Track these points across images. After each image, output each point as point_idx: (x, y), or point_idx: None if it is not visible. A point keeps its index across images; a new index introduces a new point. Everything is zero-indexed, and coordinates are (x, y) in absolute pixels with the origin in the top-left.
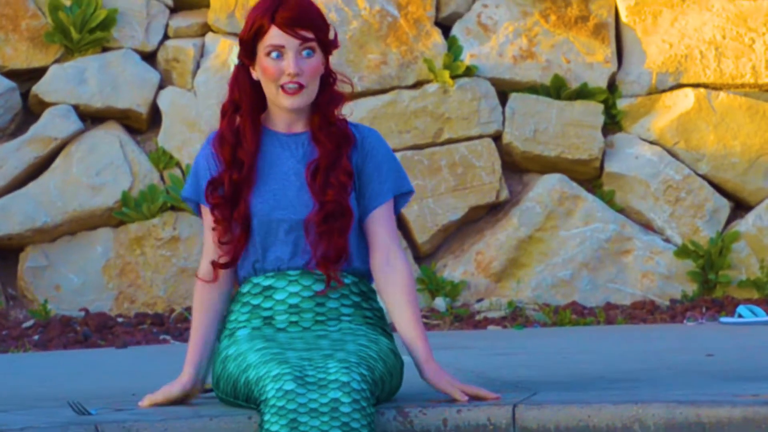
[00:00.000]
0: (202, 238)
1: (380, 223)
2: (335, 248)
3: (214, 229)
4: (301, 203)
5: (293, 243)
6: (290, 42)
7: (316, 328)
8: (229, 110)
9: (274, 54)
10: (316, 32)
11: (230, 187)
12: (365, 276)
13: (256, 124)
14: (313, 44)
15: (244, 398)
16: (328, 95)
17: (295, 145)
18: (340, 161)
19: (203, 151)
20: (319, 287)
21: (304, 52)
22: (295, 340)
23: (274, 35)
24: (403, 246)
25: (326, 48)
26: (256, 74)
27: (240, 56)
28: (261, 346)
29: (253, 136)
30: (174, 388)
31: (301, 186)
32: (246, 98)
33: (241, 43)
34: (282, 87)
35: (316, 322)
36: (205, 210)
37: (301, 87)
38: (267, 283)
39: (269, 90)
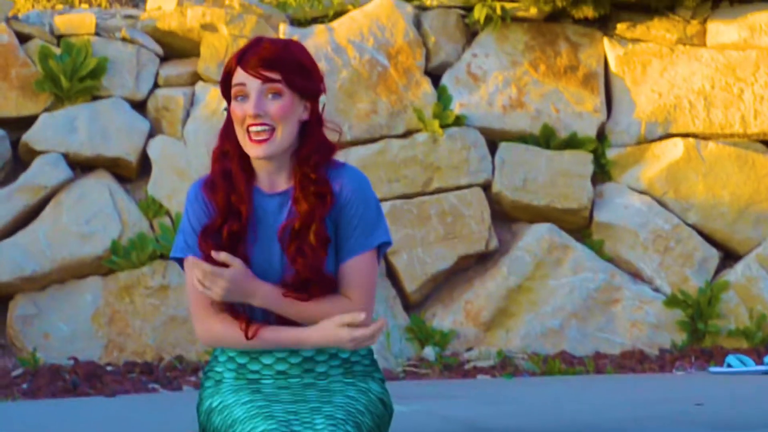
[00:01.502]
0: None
1: (349, 278)
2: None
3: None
4: (285, 271)
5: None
6: (252, 82)
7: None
8: (218, 157)
9: (239, 97)
10: (285, 74)
11: (228, 238)
12: None
13: (246, 171)
14: (278, 86)
15: None
16: (311, 145)
17: (278, 206)
18: (315, 226)
19: (192, 207)
20: (306, 353)
21: (270, 95)
22: (282, 391)
23: (238, 75)
24: (392, 295)
25: (303, 92)
26: None
27: (226, 103)
28: (246, 399)
29: (246, 181)
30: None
31: (276, 252)
32: (233, 145)
33: (220, 87)
34: (248, 132)
35: (304, 386)
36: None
37: (271, 131)
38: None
39: (240, 136)
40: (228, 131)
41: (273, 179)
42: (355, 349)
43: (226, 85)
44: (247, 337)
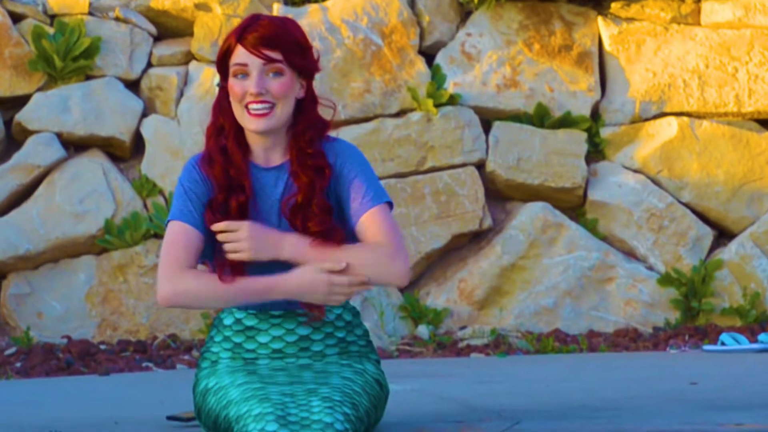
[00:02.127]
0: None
1: (367, 232)
2: None
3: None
4: None
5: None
6: (254, 61)
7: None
8: (213, 133)
9: (240, 75)
10: (286, 53)
11: (237, 210)
12: (348, 302)
13: (242, 146)
14: (280, 65)
15: None
16: (306, 122)
17: (274, 180)
18: (317, 198)
19: (187, 174)
20: (302, 331)
21: (271, 73)
22: (278, 372)
23: (239, 54)
24: None
25: (302, 70)
26: None
27: (219, 78)
28: (242, 381)
29: (243, 156)
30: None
31: (281, 224)
32: (228, 119)
33: (216, 64)
34: (247, 108)
35: (301, 368)
36: (173, 224)
37: (270, 107)
38: (249, 323)
39: (237, 112)
40: (222, 107)
41: (268, 154)
42: (329, 303)
43: (223, 62)
44: (221, 279)
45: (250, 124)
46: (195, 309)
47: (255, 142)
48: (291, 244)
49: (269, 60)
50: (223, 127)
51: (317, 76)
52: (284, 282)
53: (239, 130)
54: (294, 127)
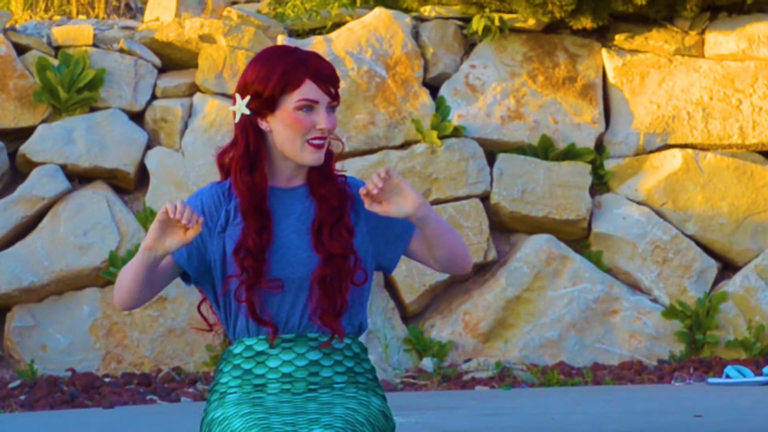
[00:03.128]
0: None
1: (421, 248)
2: (336, 303)
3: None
4: (300, 261)
5: (290, 303)
6: (323, 98)
7: (308, 395)
8: (245, 165)
9: (305, 108)
10: (337, 90)
11: (260, 253)
12: (359, 334)
13: (266, 179)
14: (335, 103)
15: None
16: (328, 151)
17: (290, 200)
18: (344, 219)
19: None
20: (313, 356)
21: (328, 110)
22: (283, 404)
23: (309, 90)
24: (390, 306)
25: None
26: (267, 126)
27: (252, 108)
28: (246, 411)
29: (266, 189)
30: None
31: (300, 244)
32: (261, 149)
33: (260, 94)
34: (308, 141)
35: (309, 390)
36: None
37: (325, 143)
38: (260, 348)
39: (293, 143)
40: (252, 132)
41: (290, 178)
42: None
43: (280, 93)
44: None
45: (309, 156)
46: (135, 297)
47: (284, 169)
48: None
49: (334, 98)
50: (253, 157)
51: None
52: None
53: (270, 160)
54: None
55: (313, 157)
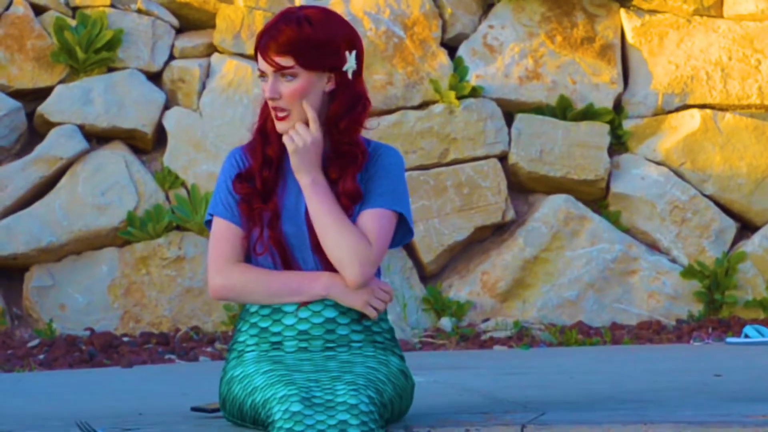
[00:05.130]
0: (207, 257)
1: (362, 225)
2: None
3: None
4: (301, 218)
5: (302, 258)
6: (268, 68)
7: (326, 353)
8: (259, 117)
9: (262, 78)
10: (298, 57)
11: (262, 184)
12: None
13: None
14: (292, 70)
15: (251, 421)
16: (336, 110)
17: None
18: (344, 181)
19: (228, 161)
20: (329, 313)
21: (285, 78)
22: (303, 362)
23: (259, 60)
24: (408, 266)
25: (320, 68)
26: None
27: None
28: (267, 368)
29: (279, 139)
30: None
31: (302, 201)
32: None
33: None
34: (272, 109)
35: (326, 348)
36: (218, 221)
37: (284, 112)
38: (276, 305)
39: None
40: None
41: None
42: (363, 310)
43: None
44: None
45: (276, 125)
46: (243, 302)
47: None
48: (317, 175)
49: (279, 67)
50: (267, 113)
51: (350, 62)
52: (329, 278)
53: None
54: (331, 118)
55: (277, 126)
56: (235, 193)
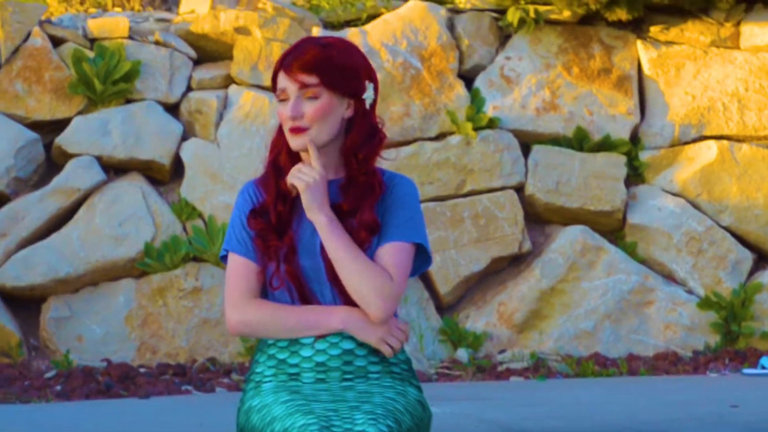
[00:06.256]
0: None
1: (383, 261)
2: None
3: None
4: (317, 251)
5: (319, 290)
6: (291, 86)
7: (344, 384)
8: (271, 149)
9: (282, 100)
10: (323, 76)
11: (277, 219)
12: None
13: (294, 162)
14: (315, 90)
15: None
16: (354, 138)
17: (329, 192)
18: (362, 212)
19: (241, 196)
20: (346, 345)
21: (307, 98)
22: (321, 392)
23: (280, 79)
24: (425, 297)
25: (343, 92)
26: None
27: None
28: (286, 398)
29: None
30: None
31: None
32: (285, 138)
33: (272, 87)
34: (288, 130)
35: (344, 379)
36: (234, 257)
37: (303, 129)
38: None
39: (286, 134)
40: (280, 126)
41: (329, 167)
42: (377, 346)
43: (274, 87)
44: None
45: (290, 141)
46: (260, 337)
47: (308, 161)
48: (328, 212)
49: (303, 85)
50: (280, 144)
51: (369, 93)
52: (346, 313)
53: (293, 155)
54: (344, 143)
55: (291, 143)
56: (249, 229)
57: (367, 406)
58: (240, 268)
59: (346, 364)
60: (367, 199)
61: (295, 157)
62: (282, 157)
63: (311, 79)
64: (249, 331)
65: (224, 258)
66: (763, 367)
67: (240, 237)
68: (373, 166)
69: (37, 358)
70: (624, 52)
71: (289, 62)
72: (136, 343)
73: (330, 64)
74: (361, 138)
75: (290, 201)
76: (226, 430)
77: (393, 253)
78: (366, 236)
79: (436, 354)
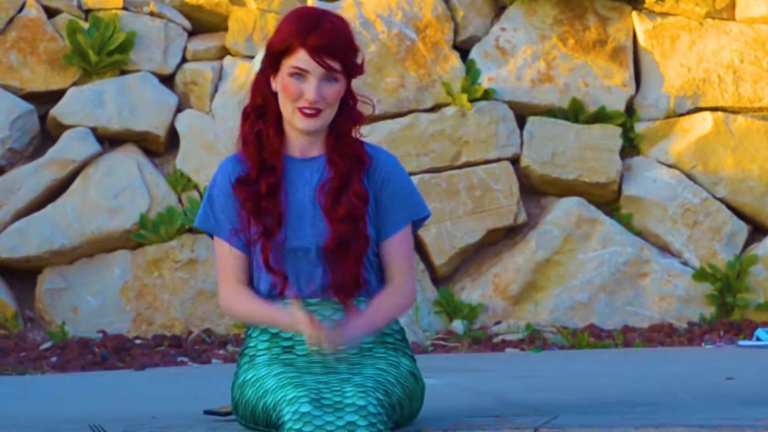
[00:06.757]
0: None
1: (393, 255)
2: (350, 275)
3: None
4: (316, 232)
5: (309, 272)
6: (316, 69)
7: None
8: (251, 114)
9: (297, 75)
10: (343, 61)
11: (267, 191)
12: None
13: (278, 133)
14: (338, 74)
15: (263, 424)
16: (345, 117)
17: (310, 170)
18: (352, 183)
19: (221, 174)
20: (339, 317)
21: (326, 80)
22: (314, 365)
23: (301, 58)
24: (420, 268)
25: (352, 75)
26: (275, 86)
27: (264, 63)
28: (278, 371)
29: (278, 140)
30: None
31: (315, 213)
32: (270, 104)
33: (268, 52)
34: (299, 108)
35: (336, 360)
36: (219, 242)
37: (318, 111)
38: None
39: (285, 108)
40: (262, 91)
41: (305, 147)
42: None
43: (278, 57)
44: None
45: (300, 123)
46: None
47: (295, 137)
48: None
49: (330, 69)
50: (263, 110)
51: None
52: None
53: (279, 118)
54: (334, 122)
55: (303, 124)
56: (236, 197)
57: (358, 378)
58: (221, 253)
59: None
60: (355, 171)
61: (280, 129)
62: (266, 125)
63: (335, 64)
64: (231, 316)
65: (204, 231)
66: (759, 339)
67: (218, 218)
68: (356, 138)
69: (32, 329)
70: (619, 24)
71: (313, 42)
72: (131, 314)
73: (349, 47)
74: (353, 119)
75: (279, 171)
76: (222, 402)
77: (400, 244)
78: (361, 206)
79: (432, 325)
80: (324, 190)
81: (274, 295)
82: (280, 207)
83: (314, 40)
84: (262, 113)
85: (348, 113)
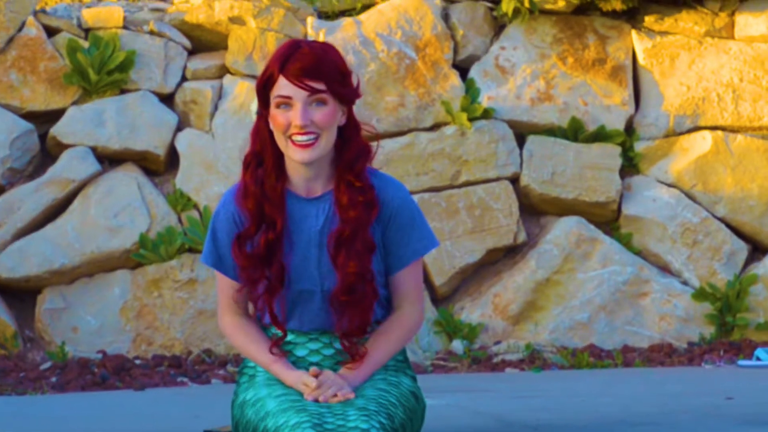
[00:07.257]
0: None
1: (401, 288)
2: (358, 324)
3: (238, 290)
4: (322, 275)
5: (314, 313)
6: (298, 93)
7: None
8: (252, 162)
9: (283, 105)
10: (329, 83)
11: (265, 247)
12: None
13: (280, 177)
14: (324, 96)
15: None
16: (352, 151)
17: (315, 211)
18: (363, 233)
19: (223, 210)
20: (340, 344)
21: (314, 103)
22: None
23: (282, 86)
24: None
25: (343, 98)
26: (270, 124)
27: (258, 105)
28: (280, 393)
29: (281, 188)
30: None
31: (321, 256)
32: (268, 149)
33: (256, 90)
34: (291, 139)
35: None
36: (221, 275)
37: (315, 138)
38: (288, 338)
39: (280, 142)
40: (261, 135)
41: (310, 184)
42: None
43: (264, 91)
44: (271, 351)
45: (295, 155)
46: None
47: (296, 173)
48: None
49: (313, 91)
50: (262, 156)
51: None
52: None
53: (279, 159)
54: (338, 156)
55: (298, 156)
56: (234, 260)
57: (360, 401)
58: (222, 285)
59: (339, 363)
60: (365, 220)
61: (282, 171)
62: (266, 171)
63: (319, 85)
64: (231, 344)
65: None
66: (759, 359)
67: (221, 254)
68: (368, 182)
69: (32, 349)
70: (618, 42)
71: (291, 66)
72: (131, 334)
73: (333, 68)
74: (357, 149)
75: (279, 227)
76: (222, 422)
77: (409, 277)
78: (368, 256)
79: (432, 346)
80: (334, 238)
81: (274, 328)
82: (281, 260)
83: (292, 65)
84: (262, 160)
85: (353, 146)
